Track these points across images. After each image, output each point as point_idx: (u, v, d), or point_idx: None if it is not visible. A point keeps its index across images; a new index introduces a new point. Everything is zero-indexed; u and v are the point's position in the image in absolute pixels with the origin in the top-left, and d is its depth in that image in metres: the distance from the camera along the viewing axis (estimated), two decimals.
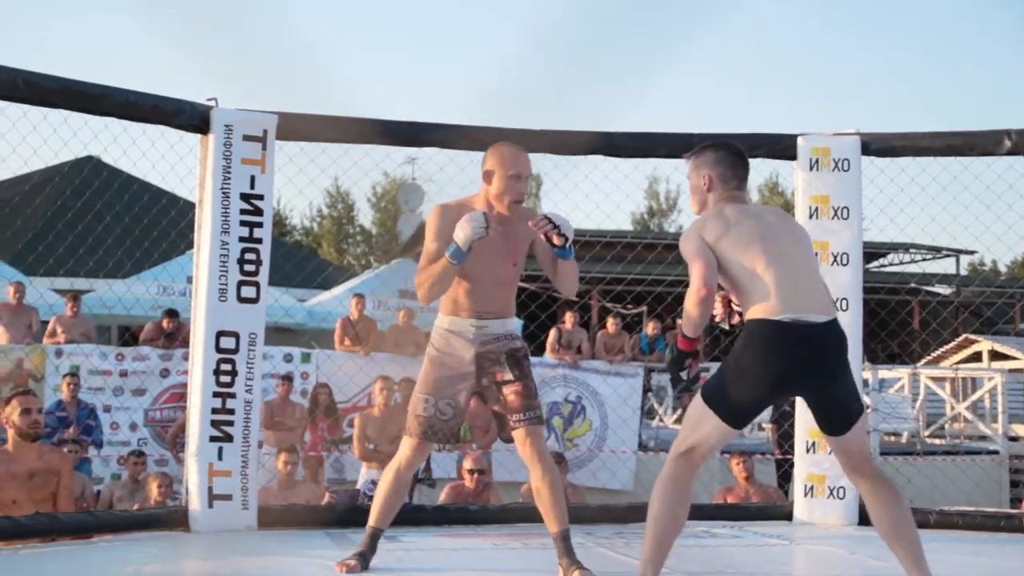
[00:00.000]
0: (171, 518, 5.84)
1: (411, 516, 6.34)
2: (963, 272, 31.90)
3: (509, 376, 4.45)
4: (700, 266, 3.73)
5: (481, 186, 4.41)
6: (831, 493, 6.45)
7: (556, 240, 4.27)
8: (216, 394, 5.78)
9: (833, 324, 3.68)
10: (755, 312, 3.69)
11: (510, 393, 4.45)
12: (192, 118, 5.83)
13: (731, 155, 3.98)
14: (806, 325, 3.63)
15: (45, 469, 6.02)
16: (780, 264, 3.70)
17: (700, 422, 3.78)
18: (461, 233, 4.18)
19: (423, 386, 4.49)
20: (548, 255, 4.42)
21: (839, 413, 3.74)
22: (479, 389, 4.53)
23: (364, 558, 4.63)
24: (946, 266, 30.05)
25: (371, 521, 4.66)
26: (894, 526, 3.69)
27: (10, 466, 5.96)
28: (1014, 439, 15.74)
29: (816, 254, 3.97)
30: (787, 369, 3.63)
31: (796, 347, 3.61)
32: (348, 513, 6.38)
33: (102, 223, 11.80)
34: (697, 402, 3.81)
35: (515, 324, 4.54)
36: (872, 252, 29.62)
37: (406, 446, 4.53)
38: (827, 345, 3.65)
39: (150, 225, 11.53)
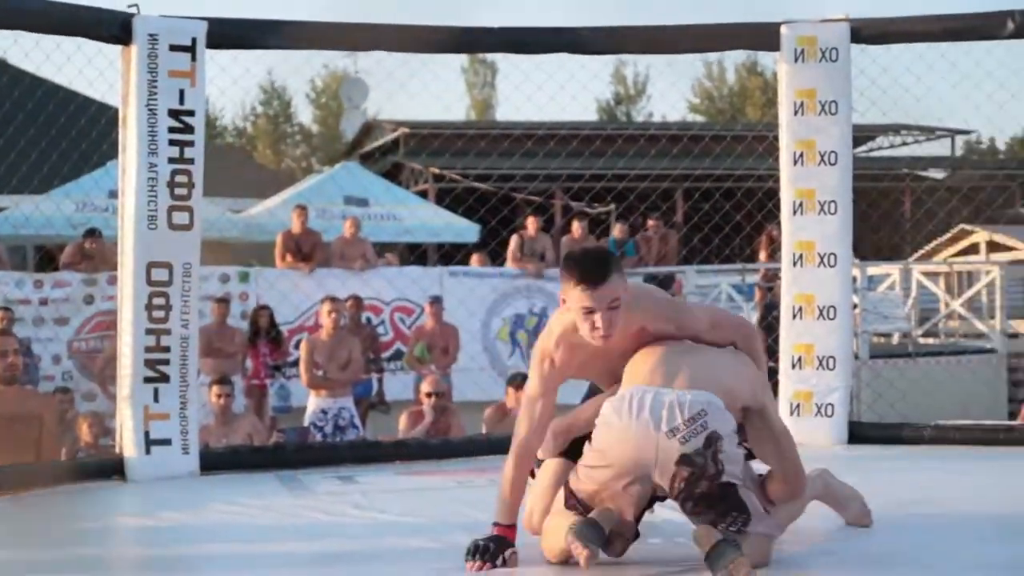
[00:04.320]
0: (105, 468, 5.85)
1: (367, 453, 6.40)
2: (959, 154, 32.09)
3: None
4: None
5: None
6: (819, 411, 6.54)
7: None
8: (149, 331, 5.77)
9: None
10: None
11: None
12: (111, 28, 5.73)
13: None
14: None
15: (26, 415, 6.02)
16: None
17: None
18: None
19: None
20: None
21: None
22: None
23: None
24: (941, 148, 30.20)
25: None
26: None
27: None
28: (1013, 336, 15.96)
29: None
30: None
31: None
32: (298, 453, 6.42)
33: (6, 131, 11.61)
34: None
35: None
36: (858, 136, 29.71)
37: None
38: None
39: (63, 132, 11.33)
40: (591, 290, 3.51)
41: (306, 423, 9.94)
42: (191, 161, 5.82)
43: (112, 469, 5.80)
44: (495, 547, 3.58)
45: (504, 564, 3.54)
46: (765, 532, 3.60)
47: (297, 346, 11.37)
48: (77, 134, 11.01)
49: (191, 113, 5.82)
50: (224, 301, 11.78)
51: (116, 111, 5.92)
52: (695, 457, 3.43)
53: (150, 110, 5.74)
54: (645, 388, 3.49)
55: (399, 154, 27.25)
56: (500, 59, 43.24)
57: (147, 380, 5.78)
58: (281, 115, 44.54)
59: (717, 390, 3.51)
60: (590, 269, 3.53)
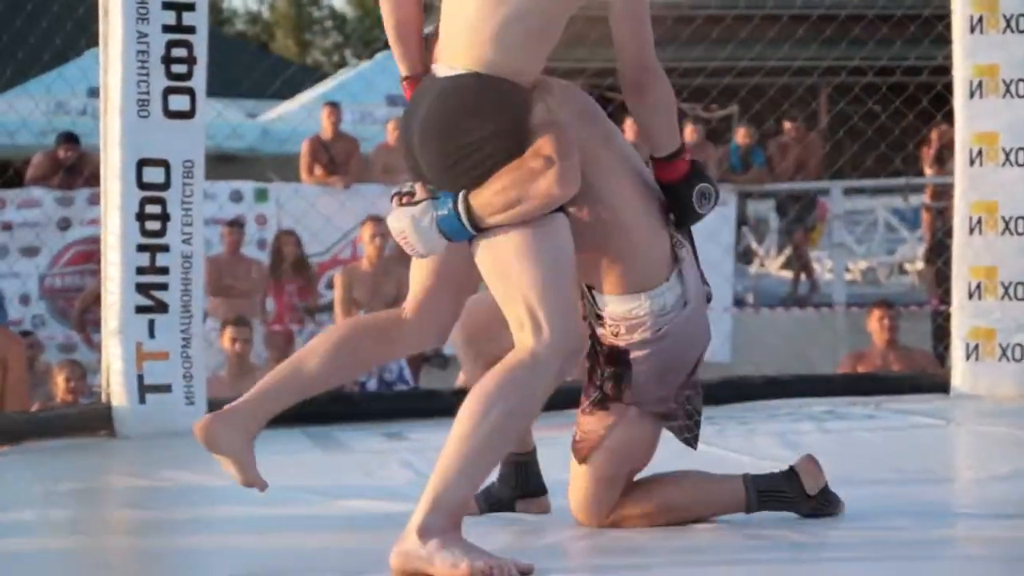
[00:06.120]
0: (90, 420, 5.96)
1: (421, 406, 6.47)
2: None
3: None
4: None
5: None
6: (1003, 354, 6.52)
7: None
8: (142, 247, 5.85)
9: (446, 81, 3.59)
10: None
11: None
12: None
13: None
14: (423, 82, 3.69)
15: None
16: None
17: None
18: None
19: None
20: None
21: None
22: None
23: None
24: None
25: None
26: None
27: None
28: None
29: None
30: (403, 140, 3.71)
31: (406, 110, 3.71)
32: (333, 405, 6.49)
33: None
34: None
35: None
36: None
37: None
38: (419, 104, 3.63)
39: (35, 14, 11.44)
40: None
41: None
42: (191, 30, 5.87)
43: (99, 422, 5.91)
44: None
45: None
46: None
47: (330, 285, 11.45)
48: (57, 14, 11.08)
49: None
50: (237, 225, 11.85)
51: None
52: None
53: None
54: None
55: None
56: None
57: (140, 310, 5.86)
58: None
59: None
60: None
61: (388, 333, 3.83)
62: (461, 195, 3.47)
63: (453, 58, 3.58)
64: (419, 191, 3.61)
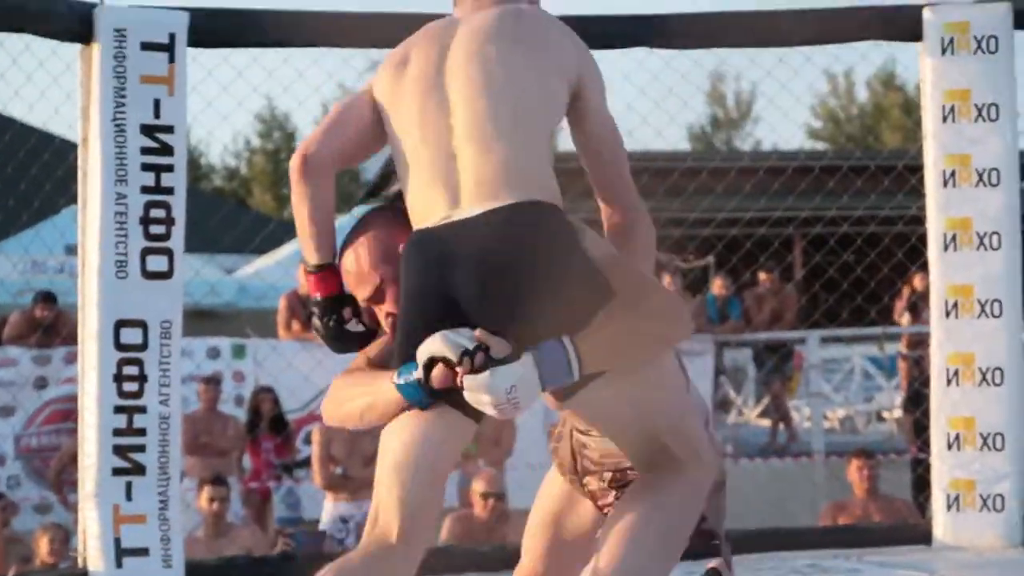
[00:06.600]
0: None
1: None
2: None
3: None
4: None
5: None
6: (984, 504, 6.51)
7: None
8: (119, 408, 5.84)
9: (488, 216, 3.35)
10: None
11: None
12: (69, 22, 5.86)
13: None
14: (445, 227, 3.40)
15: None
16: (435, 140, 3.49)
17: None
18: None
19: None
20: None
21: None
22: None
23: None
24: None
25: None
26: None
27: None
28: None
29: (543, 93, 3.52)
30: (423, 296, 3.41)
31: (427, 260, 3.42)
32: (311, 563, 6.43)
33: None
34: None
35: None
36: None
37: None
38: (464, 246, 3.34)
39: (14, 175, 11.48)
40: None
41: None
42: (170, 191, 5.91)
43: None
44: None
45: None
46: None
47: (307, 440, 11.38)
48: (35, 175, 11.11)
49: (170, 130, 5.91)
50: (214, 381, 11.81)
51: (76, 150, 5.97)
52: None
53: (117, 127, 5.83)
54: None
55: None
56: None
57: (117, 472, 5.83)
58: (283, 149, 44.89)
59: None
60: None
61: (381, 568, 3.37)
62: (568, 341, 3.26)
63: (479, 199, 3.36)
64: (494, 343, 3.29)
